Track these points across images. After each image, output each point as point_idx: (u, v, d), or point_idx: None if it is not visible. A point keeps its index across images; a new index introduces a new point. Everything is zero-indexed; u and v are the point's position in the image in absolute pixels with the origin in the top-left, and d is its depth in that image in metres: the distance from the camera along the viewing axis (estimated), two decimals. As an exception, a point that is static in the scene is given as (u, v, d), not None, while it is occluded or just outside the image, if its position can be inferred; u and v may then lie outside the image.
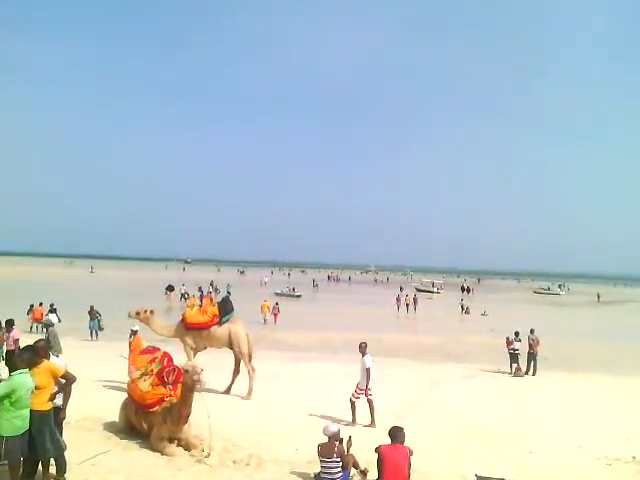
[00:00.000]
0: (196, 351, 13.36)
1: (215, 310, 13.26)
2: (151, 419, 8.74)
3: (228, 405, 11.08)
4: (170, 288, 47.56)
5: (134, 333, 13.46)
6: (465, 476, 7.88)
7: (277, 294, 52.27)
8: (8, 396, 6.17)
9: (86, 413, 9.92)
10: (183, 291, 47.12)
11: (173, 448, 8.39)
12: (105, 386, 13.06)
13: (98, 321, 23.80)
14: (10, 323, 13.42)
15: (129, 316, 13.54)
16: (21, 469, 6.46)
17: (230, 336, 13.07)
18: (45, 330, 13.60)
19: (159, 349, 9.78)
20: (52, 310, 23.13)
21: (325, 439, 7.43)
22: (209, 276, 74.64)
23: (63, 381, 6.86)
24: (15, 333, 13.47)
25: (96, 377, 13.44)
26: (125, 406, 9.36)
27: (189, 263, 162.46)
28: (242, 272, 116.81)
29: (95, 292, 45.02)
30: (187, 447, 8.56)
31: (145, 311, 13.33)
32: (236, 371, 13.43)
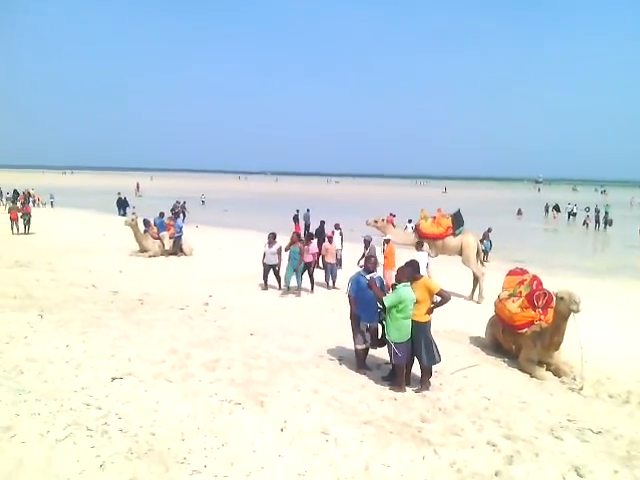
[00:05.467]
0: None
1: (449, 222, 14.31)
2: (519, 340, 8.72)
3: (601, 336, 10.26)
4: (557, 208, 47.16)
5: (387, 242, 13.99)
6: None
7: None
8: (395, 306, 6.89)
9: (453, 325, 10.52)
10: (570, 210, 46.78)
11: (543, 372, 8.25)
12: (468, 301, 13.59)
13: (490, 242, 22.30)
14: (310, 236, 14.38)
15: (367, 224, 15.45)
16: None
17: (462, 246, 14.13)
18: (365, 246, 14.28)
19: (527, 271, 9.57)
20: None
21: None
22: (566, 197, 70.08)
23: (439, 298, 7.33)
24: (313, 247, 14.09)
25: (457, 292, 14.08)
26: (492, 324, 9.54)
27: (540, 183, 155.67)
28: (603, 192, 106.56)
29: (448, 210, 46.69)
30: (556, 373, 8.30)
31: (382, 220, 15.32)
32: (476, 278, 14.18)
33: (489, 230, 23.11)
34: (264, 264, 13.80)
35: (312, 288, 13.85)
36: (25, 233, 24.10)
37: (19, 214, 24.28)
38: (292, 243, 13.65)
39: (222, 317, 10.54)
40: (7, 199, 41.53)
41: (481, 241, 22.46)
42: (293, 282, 13.54)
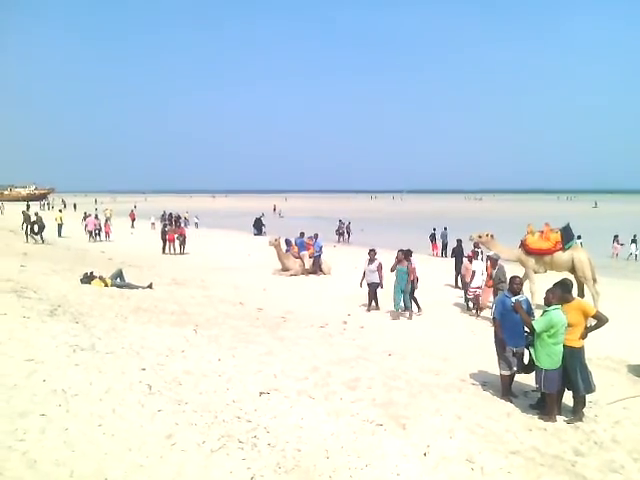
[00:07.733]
0: (536, 273, 14.08)
1: (558, 237, 13.70)
2: (688, 371, 7.87)
3: None
4: None
5: (489, 258, 12.77)
6: None
7: None
8: (546, 330, 6.54)
9: (608, 352, 9.75)
10: None
11: None
12: (626, 326, 12.40)
13: None
14: (410, 253, 13.38)
15: (470, 239, 14.73)
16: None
17: (573, 262, 13.48)
18: (492, 265, 13.17)
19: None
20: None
21: None
22: None
23: (594, 321, 6.85)
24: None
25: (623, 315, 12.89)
26: (655, 352, 8.71)
27: None
28: None
29: (601, 227, 43.32)
30: None
31: (487, 235, 14.66)
32: (580, 295, 12.96)
33: None
34: (368, 284, 13.49)
35: (418, 308, 13.34)
36: (180, 253, 26.18)
37: (175, 235, 26.49)
38: (398, 262, 12.95)
39: (360, 336, 10.69)
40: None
41: None
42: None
